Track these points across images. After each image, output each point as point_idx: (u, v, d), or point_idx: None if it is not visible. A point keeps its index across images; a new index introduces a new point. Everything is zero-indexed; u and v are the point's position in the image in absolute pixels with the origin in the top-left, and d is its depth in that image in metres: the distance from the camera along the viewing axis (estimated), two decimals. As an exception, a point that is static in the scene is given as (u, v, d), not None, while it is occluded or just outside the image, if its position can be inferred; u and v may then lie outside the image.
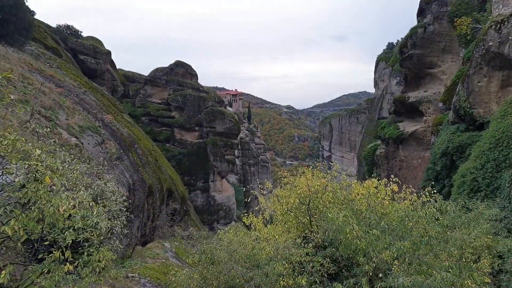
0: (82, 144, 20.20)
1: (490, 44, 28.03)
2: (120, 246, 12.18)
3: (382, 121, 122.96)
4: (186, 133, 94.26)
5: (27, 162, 6.00)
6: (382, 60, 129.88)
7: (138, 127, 40.09)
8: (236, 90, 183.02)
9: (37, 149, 5.99)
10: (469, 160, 30.92)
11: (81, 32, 58.78)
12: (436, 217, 12.02)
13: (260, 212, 17.43)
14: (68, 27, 56.51)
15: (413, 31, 44.46)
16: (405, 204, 14.09)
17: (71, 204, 6.27)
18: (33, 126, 10.63)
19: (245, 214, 16.01)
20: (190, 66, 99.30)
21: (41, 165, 6.03)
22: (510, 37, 25.94)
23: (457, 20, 35.39)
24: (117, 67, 73.05)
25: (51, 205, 5.65)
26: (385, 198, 14.00)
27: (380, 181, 14.41)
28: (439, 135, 38.50)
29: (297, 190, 13.92)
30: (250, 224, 16.50)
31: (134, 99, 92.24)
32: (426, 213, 10.95)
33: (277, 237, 13.90)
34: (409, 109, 49.54)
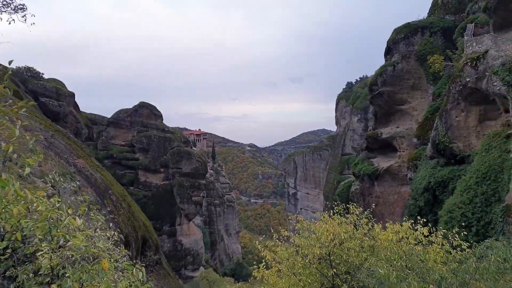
0: (59, 193, 17.36)
1: (467, 80, 28.84)
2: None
3: (346, 157, 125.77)
4: (151, 175, 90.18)
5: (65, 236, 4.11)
6: (342, 99, 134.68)
7: (107, 171, 36.96)
8: (199, 130, 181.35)
9: (77, 218, 4.11)
10: (454, 195, 30.74)
11: (42, 74, 55.63)
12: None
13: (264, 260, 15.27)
14: (28, 69, 53.27)
15: (382, 69, 45.91)
16: (435, 249, 12.81)
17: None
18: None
19: (255, 266, 13.91)
20: (154, 107, 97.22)
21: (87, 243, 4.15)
22: (487, 73, 26.77)
23: (430, 58, 36.81)
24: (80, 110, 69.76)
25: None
26: (412, 242, 12.66)
27: (403, 224, 13.13)
28: (418, 170, 38.65)
29: (319, 239, 12.19)
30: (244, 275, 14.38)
31: (96, 142, 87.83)
32: (490, 264, 9.58)
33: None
34: (382, 145, 50.14)
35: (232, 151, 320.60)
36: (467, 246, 13.22)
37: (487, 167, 27.48)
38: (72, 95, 59.56)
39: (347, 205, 15.46)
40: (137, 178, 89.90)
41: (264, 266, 13.64)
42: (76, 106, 63.34)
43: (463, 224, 28.46)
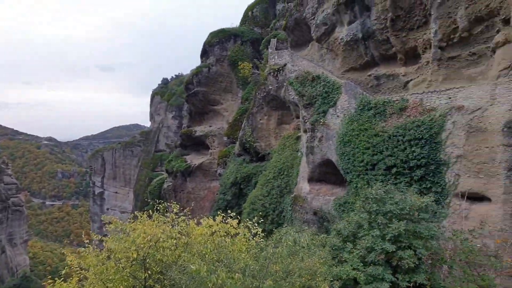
0: None
1: (270, 88, 32.89)
2: None
3: (159, 154, 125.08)
4: None
5: None
6: (158, 94, 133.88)
7: None
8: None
9: None
10: (256, 188, 34.57)
11: None
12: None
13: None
14: None
15: (198, 69, 47.66)
16: (240, 239, 13.82)
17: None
18: None
19: (49, 281, 11.72)
20: None
21: None
22: (285, 83, 31.12)
23: (241, 64, 40.26)
24: None
25: None
26: (223, 235, 13.36)
27: (216, 219, 13.70)
28: (227, 167, 41.73)
29: (135, 241, 11.32)
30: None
31: None
32: (283, 249, 10.95)
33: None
34: (195, 143, 51.98)
35: (23, 145, 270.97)
36: (265, 234, 14.77)
37: (282, 163, 32.02)
38: None
39: (168, 203, 15.11)
40: None
41: (62, 278, 11.72)
42: None
43: (262, 214, 32.35)
